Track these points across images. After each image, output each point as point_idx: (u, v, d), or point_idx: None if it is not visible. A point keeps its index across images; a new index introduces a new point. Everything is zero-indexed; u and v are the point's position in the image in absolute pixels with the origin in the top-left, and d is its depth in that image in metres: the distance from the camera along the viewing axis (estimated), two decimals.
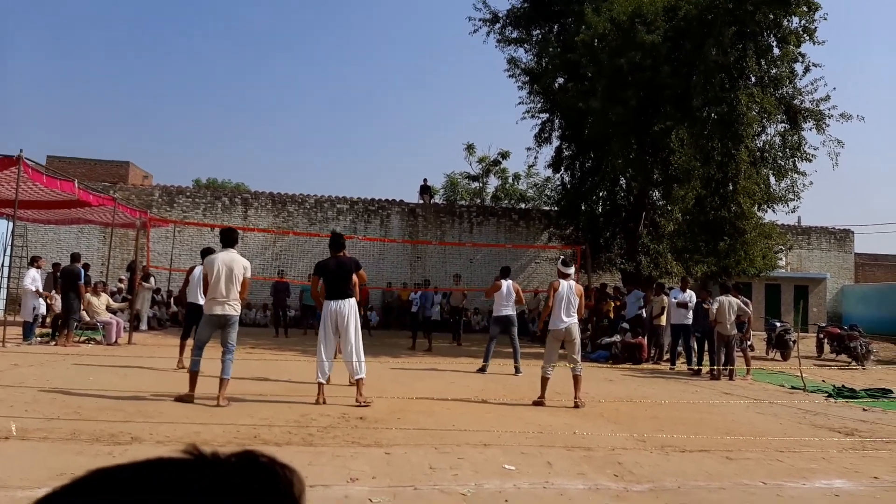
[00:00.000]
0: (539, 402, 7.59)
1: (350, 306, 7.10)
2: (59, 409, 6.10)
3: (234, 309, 6.89)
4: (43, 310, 12.96)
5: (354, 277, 7.26)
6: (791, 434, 6.49)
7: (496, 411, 7.16)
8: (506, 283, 10.82)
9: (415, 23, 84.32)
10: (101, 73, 76.11)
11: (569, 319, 7.65)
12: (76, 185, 12.21)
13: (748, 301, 12.45)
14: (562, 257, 9.41)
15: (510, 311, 10.79)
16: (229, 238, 7.12)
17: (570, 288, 7.75)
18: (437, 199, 28.04)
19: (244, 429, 5.61)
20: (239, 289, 6.90)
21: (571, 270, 8.14)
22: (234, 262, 6.88)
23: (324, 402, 6.90)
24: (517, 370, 10.51)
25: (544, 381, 7.68)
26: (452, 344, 16.17)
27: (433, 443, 5.38)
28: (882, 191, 69.08)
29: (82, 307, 12.40)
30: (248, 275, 7.03)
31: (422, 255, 22.81)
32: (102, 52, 75.68)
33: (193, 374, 6.85)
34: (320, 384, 7.03)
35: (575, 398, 7.57)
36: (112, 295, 14.52)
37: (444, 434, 5.74)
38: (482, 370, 10.55)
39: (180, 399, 6.75)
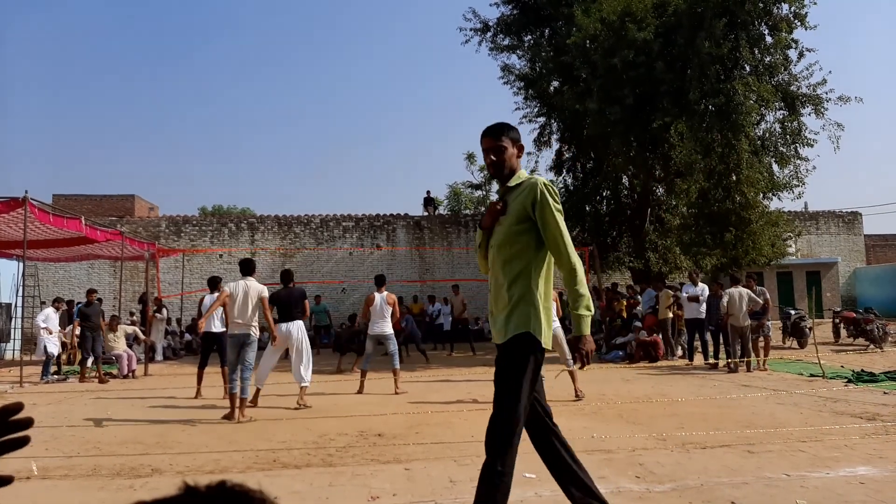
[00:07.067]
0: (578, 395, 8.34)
1: (298, 327, 8.15)
2: (78, 445, 6.13)
3: (249, 329, 7.43)
4: (58, 348, 13.01)
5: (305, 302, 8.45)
6: (812, 423, 6.43)
7: None
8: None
9: (408, 36, 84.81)
10: (104, 109, 76.90)
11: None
12: (83, 221, 12.31)
13: (764, 290, 12.28)
14: None
15: None
16: (246, 267, 7.74)
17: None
18: (442, 210, 28.09)
19: (263, 453, 5.61)
20: (254, 312, 7.45)
21: None
22: (250, 289, 7.48)
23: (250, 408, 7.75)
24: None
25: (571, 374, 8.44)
26: (468, 354, 16.13)
27: (453, 455, 5.36)
28: (889, 170, 68.70)
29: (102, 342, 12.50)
30: (265, 294, 7.65)
31: (430, 266, 22.83)
32: (102, 87, 76.47)
33: (233, 396, 7.38)
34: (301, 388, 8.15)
35: (575, 390, 8.29)
36: None
37: (464, 446, 5.72)
38: None
39: (226, 418, 7.32)
